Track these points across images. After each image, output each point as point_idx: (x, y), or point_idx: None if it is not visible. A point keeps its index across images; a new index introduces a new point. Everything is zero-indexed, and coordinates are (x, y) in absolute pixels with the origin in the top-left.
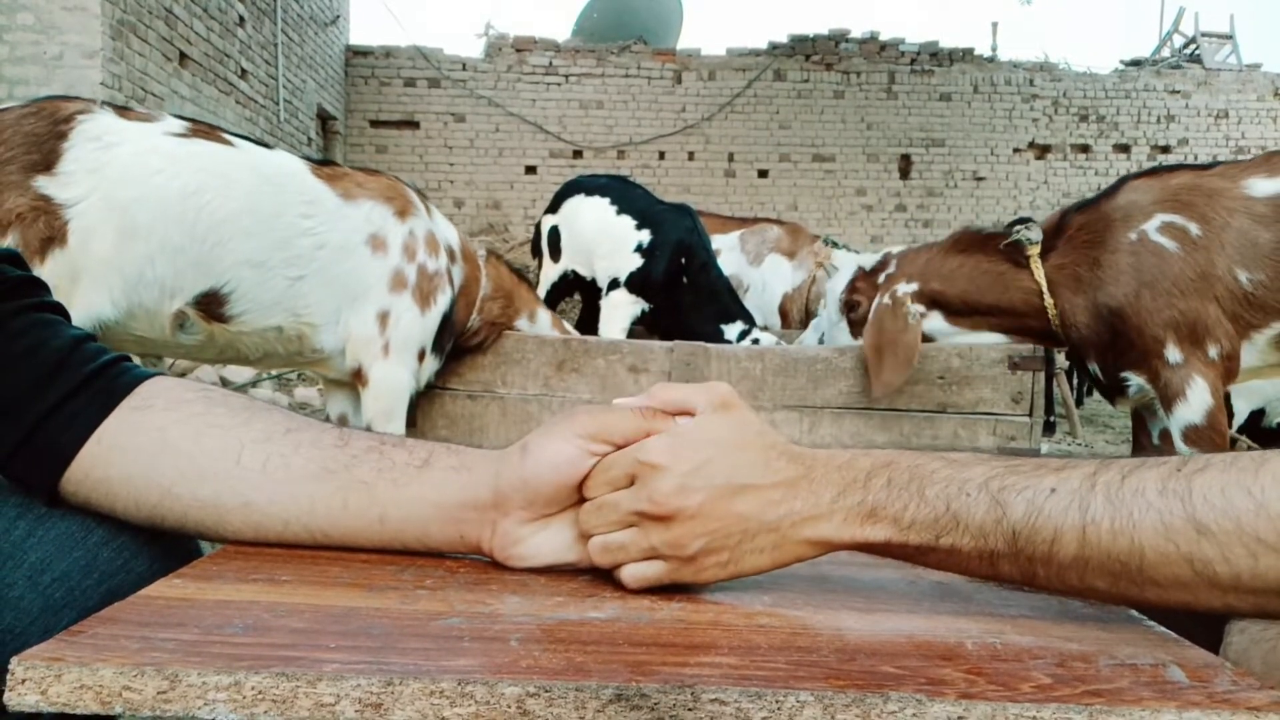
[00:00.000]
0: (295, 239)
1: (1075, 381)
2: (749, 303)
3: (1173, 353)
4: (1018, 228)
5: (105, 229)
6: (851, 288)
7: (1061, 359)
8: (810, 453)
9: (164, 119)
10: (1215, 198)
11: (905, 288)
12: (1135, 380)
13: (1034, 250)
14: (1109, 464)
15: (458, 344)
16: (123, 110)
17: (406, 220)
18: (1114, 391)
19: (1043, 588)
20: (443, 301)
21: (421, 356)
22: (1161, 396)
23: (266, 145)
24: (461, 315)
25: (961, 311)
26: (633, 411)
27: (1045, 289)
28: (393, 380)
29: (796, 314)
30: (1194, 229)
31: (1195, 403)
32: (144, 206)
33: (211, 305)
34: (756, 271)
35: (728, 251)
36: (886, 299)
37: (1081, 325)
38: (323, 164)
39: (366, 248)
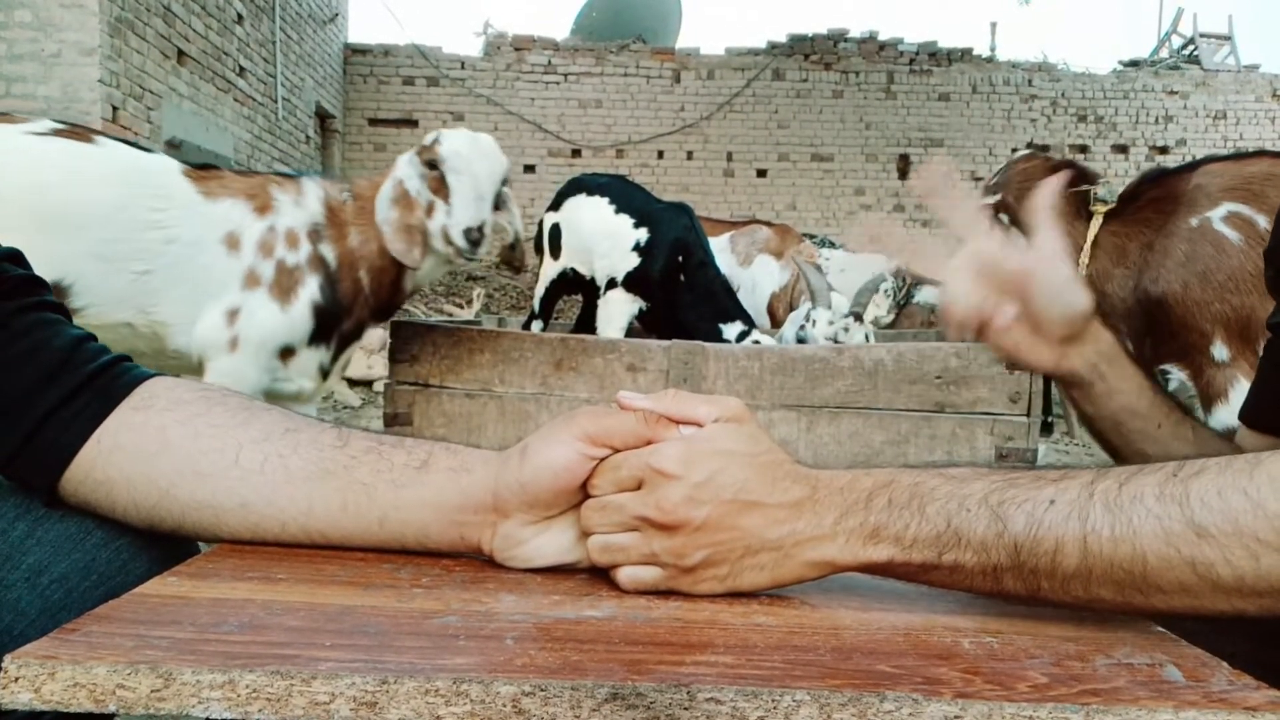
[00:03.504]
0: (140, 233)
1: None
2: (740, 301)
3: (1219, 350)
4: (1100, 185)
5: None
6: None
7: None
8: (814, 473)
9: (36, 122)
10: None
11: (989, 199)
12: (1176, 375)
13: (1100, 208)
14: (1106, 472)
15: (390, 306)
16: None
17: (266, 216)
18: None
19: (1049, 601)
20: (306, 294)
21: (289, 353)
22: (1202, 395)
23: (144, 148)
24: (347, 289)
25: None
26: (636, 416)
27: (1088, 246)
28: (235, 377)
29: (784, 313)
30: (1263, 222)
31: (1237, 405)
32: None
33: (58, 298)
34: (746, 272)
35: (718, 253)
36: None
37: (1112, 296)
38: (202, 168)
39: (221, 246)
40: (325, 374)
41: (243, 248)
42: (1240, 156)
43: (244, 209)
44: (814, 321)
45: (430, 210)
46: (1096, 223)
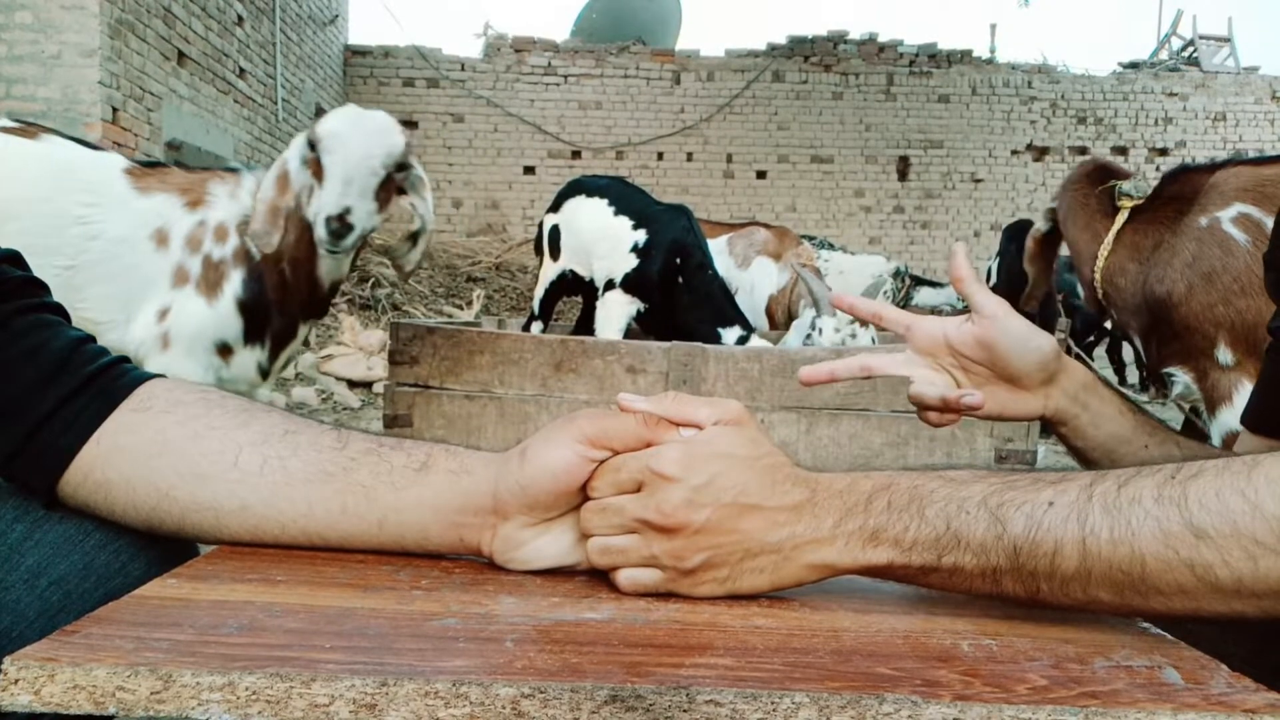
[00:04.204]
0: (64, 227)
1: None
2: (739, 305)
3: (1223, 353)
4: (1129, 181)
5: None
6: None
7: None
8: (814, 476)
9: None
10: None
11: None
12: (1181, 377)
13: (1126, 204)
14: (1105, 474)
15: (314, 302)
16: None
17: (197, 210)
18: (1156, 381)
19: (1048, 603)
20: (230, 289)
21: (227, 351)
22: (1207, 398)
23: (95, 147)
24: (273, 282)
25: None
26: (636, 418)
27: (1109, 240)
28: (175, 374)
29: (781, 314)
30: (1270, 224)
31: (1241, 409)
32: None
33: None
34: (745, 274)
35: (716, 255)
36: None
37: (1123, 290)
38: (151, 165)
39: (150, 242)
40: (265, 374)
41: (171, 243)
42: (1266, 160)
43: (175, 204)
44: (820, 330)
45: (310, 194)
46: (1121, 218)
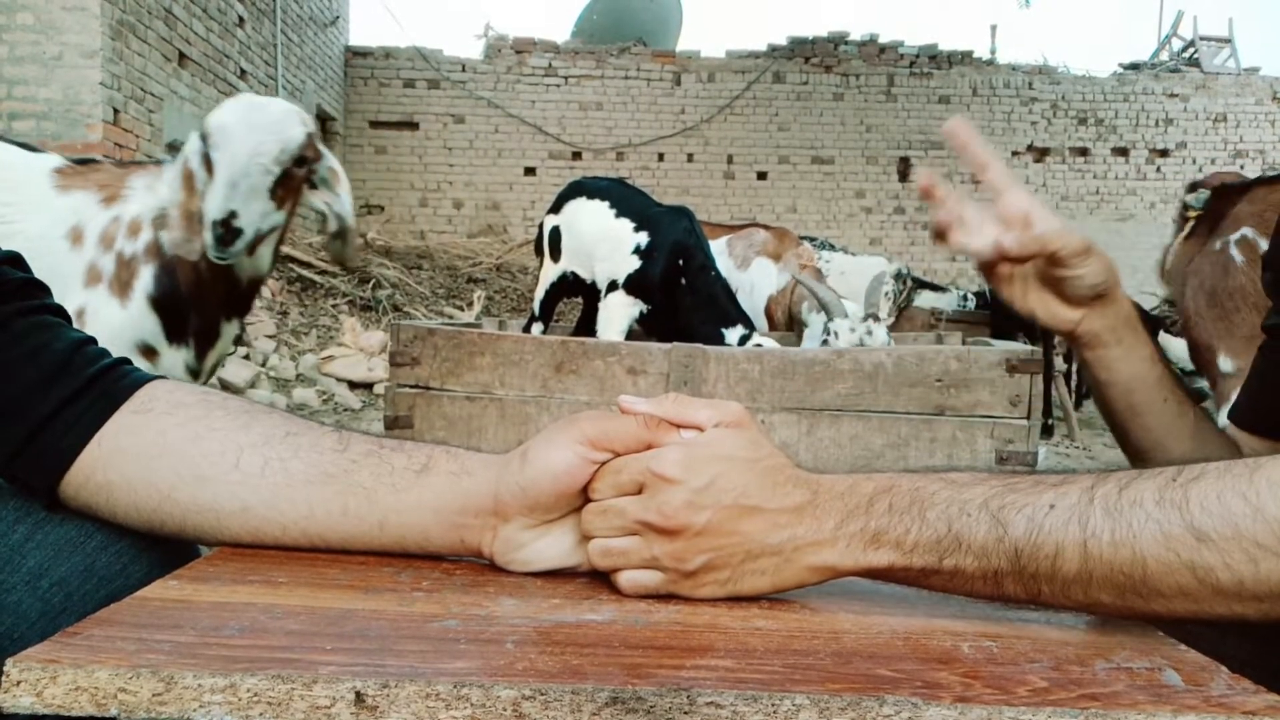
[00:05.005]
0: None
1: (1073, 384)
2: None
3: (1225, 362)
4: (1191, 195)
5: None
6: None
7: (1060, 362)
8: (815, 478)
9: None
10: None
11: None
12: (1200, 381)
13: (1192, 214)
14: (1106, 476)
15: (233, 299)
16: None
17: (112, 206)
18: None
19: (1049, 605)
20: (140, 286)
21: (151, 353)
22: (1217, 403)
23: (32, 149)
24: (187, 277)
25: None
26: (637, 420)
27: (1175, 247)
28: None
29: (781, 315)
30: (1264, 245)
31: None
32: None
33: None
34: (745, 275)
35: (716, 257)
36: None
37: (1175, 295)
38: (82, 163)
39: (65, 241)
40: (194, 375)
41: (85, 241)
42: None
43: (92, 201)
44: (835, 334)
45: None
46: (1188, 227)
